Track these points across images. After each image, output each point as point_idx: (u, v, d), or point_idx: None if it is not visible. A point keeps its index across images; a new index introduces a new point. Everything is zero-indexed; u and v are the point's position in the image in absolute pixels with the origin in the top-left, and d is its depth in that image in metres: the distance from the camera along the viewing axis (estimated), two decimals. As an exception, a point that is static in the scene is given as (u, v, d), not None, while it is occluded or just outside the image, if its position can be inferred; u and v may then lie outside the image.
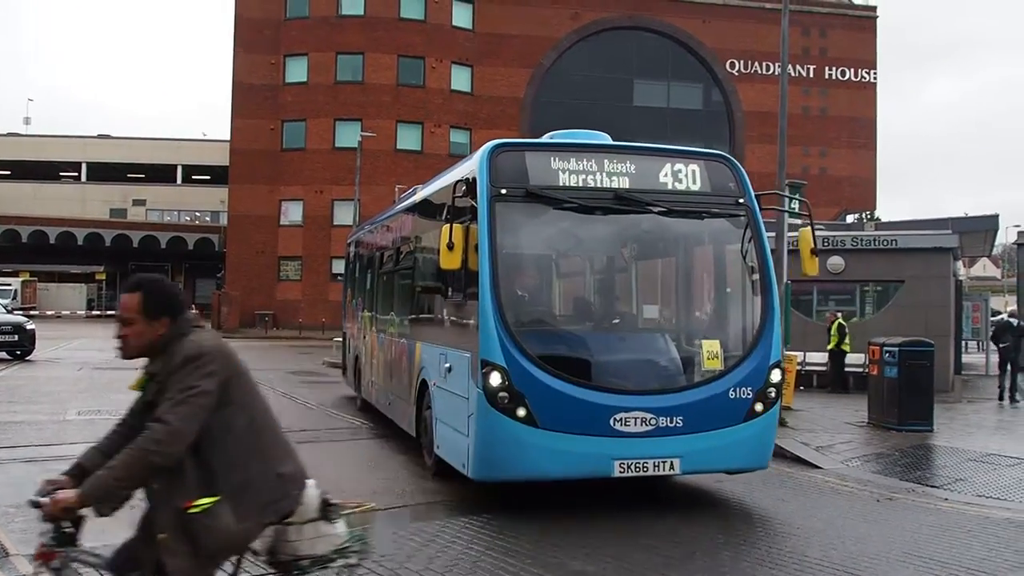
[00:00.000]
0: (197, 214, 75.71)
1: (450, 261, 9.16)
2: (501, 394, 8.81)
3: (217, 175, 69.96)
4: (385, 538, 8.21)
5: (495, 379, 8.82)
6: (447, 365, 10.16)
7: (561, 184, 9.54)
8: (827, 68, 57.58)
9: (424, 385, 11.41)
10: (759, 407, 9.42)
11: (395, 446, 13.60)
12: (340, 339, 32.18)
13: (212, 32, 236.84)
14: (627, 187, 9.66)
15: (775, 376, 9.61)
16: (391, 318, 14.19)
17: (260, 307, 50.55)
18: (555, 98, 53.81)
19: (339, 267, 48.54)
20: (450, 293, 10.21)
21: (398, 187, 46.62)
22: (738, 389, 9.34)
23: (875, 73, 59.01)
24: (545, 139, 10.72)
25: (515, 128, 53.08)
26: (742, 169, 10.31)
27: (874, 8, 60.91)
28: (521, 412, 8.79)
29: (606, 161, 9.75)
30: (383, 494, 10.24)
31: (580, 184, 9.58)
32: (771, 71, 55.13)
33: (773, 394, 9.59)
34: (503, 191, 9.36)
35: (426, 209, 12.38)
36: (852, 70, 58.22)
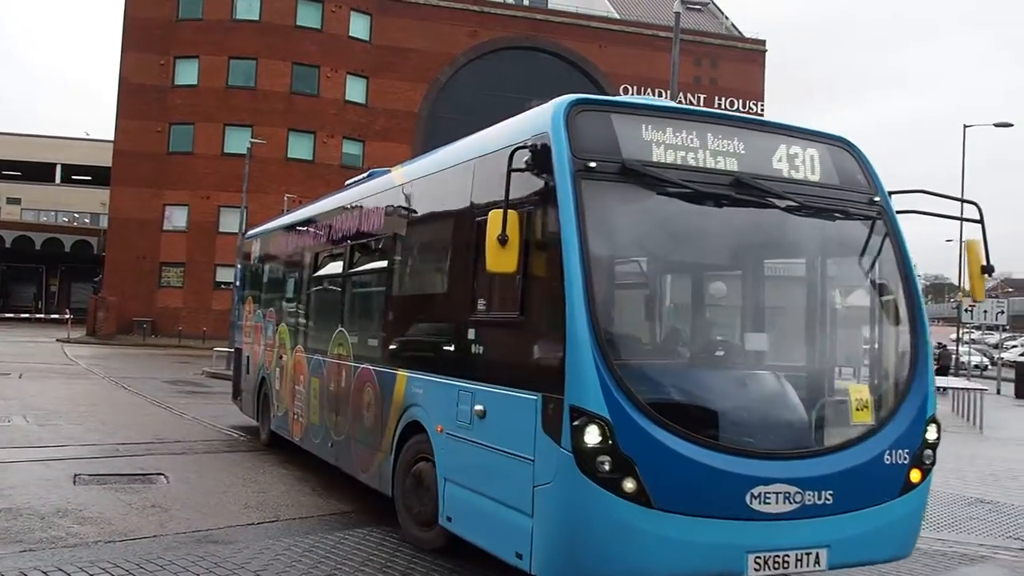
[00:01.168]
0: (76, 215, 73.30)
1: (502, 261, 6.48)
2: (601, 458, 6.10)
3: (99, 176, 67.88)
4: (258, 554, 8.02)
5: (593, 436, 6.10)
6: (478, 407, 7.31)
7: (656, 161, 6.90)
8: (717, 97, 58.95)
9: (413, 429, 8.67)
10: (915, 475, 7.11)
11: (274, 458, 13.31)
12: (228, 353, 31.82)
13: (99, 28, 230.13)
14: (738, 171, 7.18)
15: (931, 433, 7.22)
16: (339, 336, 11.11)
17: (139, 314, 49.06)
18: (450, 114, 53.75)
19: (224, 275, 47.84)
20: (490, 306, 7.45)
21: (287, 196, 46.32)
22: (893, 452, 7.02)
23: (762, 104, 60.69)
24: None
25: (409, 142, 52.90)
26: (868, 157, 7.96)
27: (763, 42, 62.78)
28: (629, 485, 6.12)
29: (711, 135, 7.21)
30: (257, 508, 10.00)
31: (681, 163, 6.99)
32: (663, 97, 55.93)
33: (930, 458, 7.23)
34: (591, 164, 6.62)
35: (427, 191, 9.31)
36: (741, 100, 59.73)
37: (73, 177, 74.90)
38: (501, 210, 6.47)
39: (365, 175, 11.95)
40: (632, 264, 7.74)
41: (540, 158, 6.73)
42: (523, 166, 6.76)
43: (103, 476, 11.22)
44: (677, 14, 20.25)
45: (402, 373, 8.99)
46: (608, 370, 6.17)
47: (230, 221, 47.51)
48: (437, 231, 8.91)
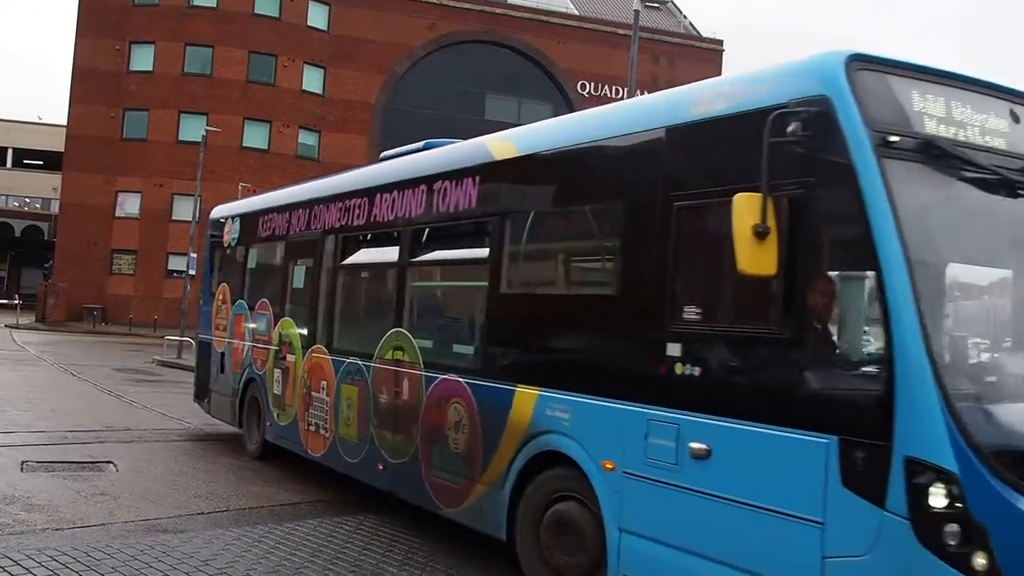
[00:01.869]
0: (27, 200, 72.20)
1: (759, 260, 5.15)
2: (950, 527, 4.71)
3: (51, 161, 66.91)
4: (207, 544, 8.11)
5: (940, 497, 4.73)
6: (697, 445, 5.76)
7: (957, 138, 5.58)
8: (673, 96, 59.23)
9: (546, 461, 7.09)
10: None
11: (225, 448, 13.35)
12: (181, 342, 31.68)
13: (52, 9, 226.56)
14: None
15: None
16: (396, 338, 9.23)
17: (89, 301, 48.49)
18: (407, 106, 53.72)
19: (177, 264, 47.43)
20: (713, 316, 5.95)
21: (242, 185, 46.01)
22: None
23: (718, 104, 61.17)
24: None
25: (365, 133, 52.81)
26: None
27: (720, 42, 63.33)
28: (980, 562, 4.71)
29: (1014, 110, 5.88)
30: (207, 498, 10.06)
31: (983, 143, 5.66)
32: (620, 95, 56.47)
33: None
34: (891, 138, 5.21)
35: (567, 165, 7.47)
36: (696, 100, 60.10)
37: (24, 161, 73.74)
38: (755, 194, 5.13)
39: (418, 145, 10.36)
40: (953, 269, 5.81)
41: (817, 127, 5.24)
42: (788, 136, 5.27)
43: (51, 463, 11.22)
44: (636, 12, 20.46)
45: (527, 390, 7.27)
46: (949, 410, 4.75)
47: (183, 209, 47.02)
48: (590, 217, 7.37)
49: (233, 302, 13.91)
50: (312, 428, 10.86)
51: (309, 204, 11.76)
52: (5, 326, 42.40)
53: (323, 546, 8.29)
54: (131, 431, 14.45)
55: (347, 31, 53.25)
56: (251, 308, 13.19)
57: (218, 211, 15.57)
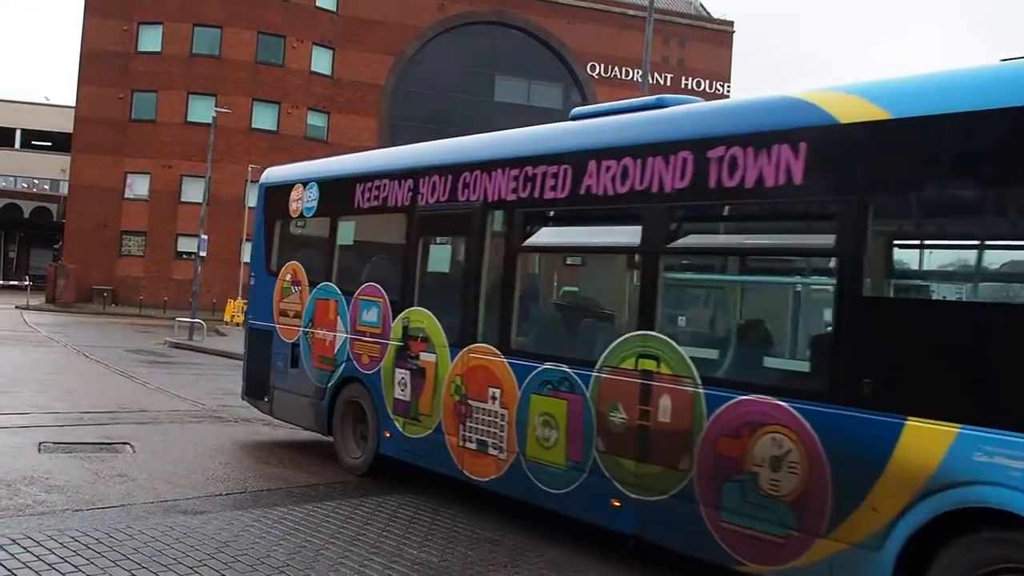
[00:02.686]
0: (35, 181, 72.21)
1: None
2: None
3: (59, 142, 66.91)
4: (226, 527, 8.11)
5: None
6: None
7: None
8: (684, 78, 59.09)
9: (958, 520, 5.43)
10: None
11: (241, 430, 13.36)
12: (192, 324, 31.66)
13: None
14: None
15: None
16: (645, 343, 7.32)
17: (99, 282, 48.60)
18: (416, 87, 53.69)
19: (186, 245, 47.47)
20: None
21: (251, 166, 45.97)
22: None
23: (729, 86, 60.93)
24: None
25: (374, 115, 52.74)
26: None
27: (731, 23, 63.03)
28: None
29: None
30: (224, 479, 10.06)
31: None
32: (630, 76, 56.31)
33: None
34: None
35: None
36: (708, 81, 59.93)
37: (33, 143, 73.72)
38: None
39: (648, 101, 8.30)
40: None
41: None
42: None
43: (68, 444, 11.21)
44: (650, -7, 20.28)
45: (931, 425, 5.52)
46: None
47: (192, 190, 47.08)
48: None
49: (312, 285, 11.60)
50: (472, 446, 8.90)
51: (455, 169, 9.54)
52: (16, 307, 42.50)
53: (342, 528, 8.27)
54: (146, 412, 14.46)
55: (356, 12, 53.08)
56: (346, 293, 10.99)
57: (276, 175, 13.19)
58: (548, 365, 8.15)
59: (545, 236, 8.79)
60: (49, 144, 71.90)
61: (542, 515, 8.79)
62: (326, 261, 11.52)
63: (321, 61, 52.77)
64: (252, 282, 13.24)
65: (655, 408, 7.16)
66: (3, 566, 6.41)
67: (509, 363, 8.55)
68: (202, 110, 46.97)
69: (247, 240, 47.19)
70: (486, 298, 9.11)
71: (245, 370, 13.11)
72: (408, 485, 10.04)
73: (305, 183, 12.10)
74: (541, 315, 9.52)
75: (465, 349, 9.08)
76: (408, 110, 53.09)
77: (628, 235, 7.79)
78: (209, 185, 37.32)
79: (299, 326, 11.75)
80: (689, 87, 58.56)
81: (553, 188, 8.34)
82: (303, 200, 12.08)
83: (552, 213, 8.71)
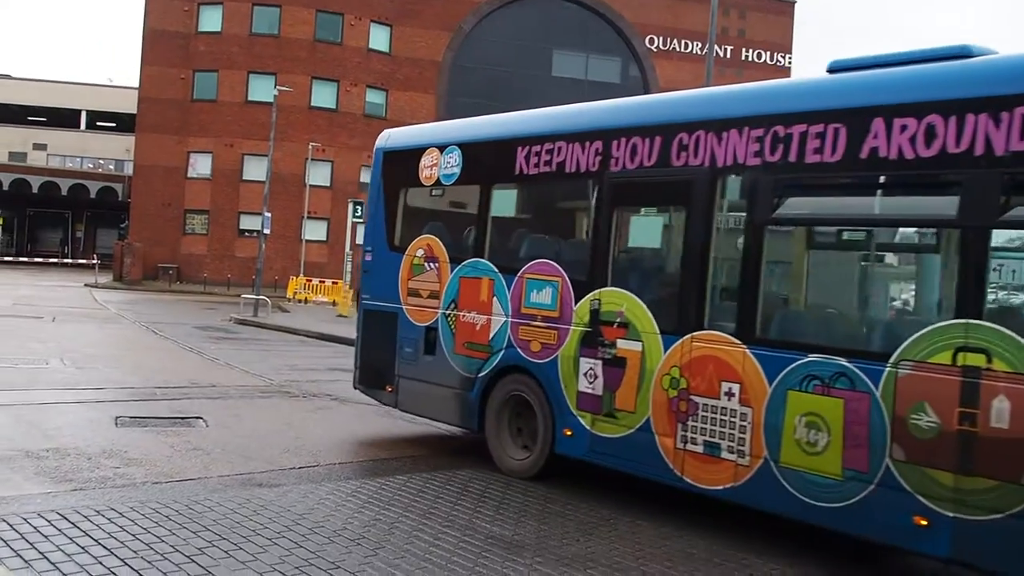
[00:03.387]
0: (101, 162, 73.51)
1: None
2: None
3: (123, 122, 68.14)
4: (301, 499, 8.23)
5: None
6: None
7: None
8: (744, 50, 58.33)
9: None
10: None
11: (310, 404, 13.54)
12: (257, 302, 32.17)
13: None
14: None
15: None
16: (975, 334, 6.20)
17: (164, 260, 49.45)
18: (473, 63, 53.60)
19: (248, 223, 48.09)
20: None
21: (312, 145, 46.34)
22: None
23: (790, 57, 60.02)
24: None
25: (432, 91, 52.79)
26: None
27: (792, -8, 62.00)
28: None
29: None
30: (297, 453, 10.20)
31: None
32: (689, 49, 55.73)
33: None
34: None
35: None
36: (768, 53, 59.10)
37: (98, 123, 75.06)
38: None
39: (951, 49, 6.91)
40: None
41: None
42: None
43: (143, 418, 11.45)
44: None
45: None
46: None
47: (253, 169, 47.68)
48: None
49: (455, 262, 10.34)
50: (696, 448, 7.78)
51: (666, 129, 8.32)
52: (85, 285, 43.39)
53: (415, 501, 8.35)
54: (216, 387, 14.70)
55: (413, -12, 53.08)
56: (505, 271, 9.74)
57: (399, 138, 11.91)
58: (814, 357, 6.99)
59: (806, 206, 7.67)
60: (113, 125, 73.17)
61: (610, 488, 8.83)
62: (475, 235, 10.21)
63: (379, 38, 52.87)
64: (368, 259, 11.71)
65: (985, 411, 6.05)
66: (89, 536, 6.59)
67: (754, 354, 7.38)
68: (262, 89, 47.39)
69: (308, 217, 47.76)
70: (718, 278, 8.09)
71: (359, 356, 11.72)
72: (474, 458, 10.11)
73: (442, 147, 10.75)
74: (802, 299, 8.44)
75: (686, 337, 7.88)
76: (465, 86, 53.06)
77: (937, 206, 6.88)
78: (271, 164, 37.71)
79: (436, 307, 10.46)
80: (750, 59, 57.86)
81: (818, 151, 7.15)
82: (440, 166, 10.72)
83: (816, 180, 7.44)
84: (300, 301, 40.16)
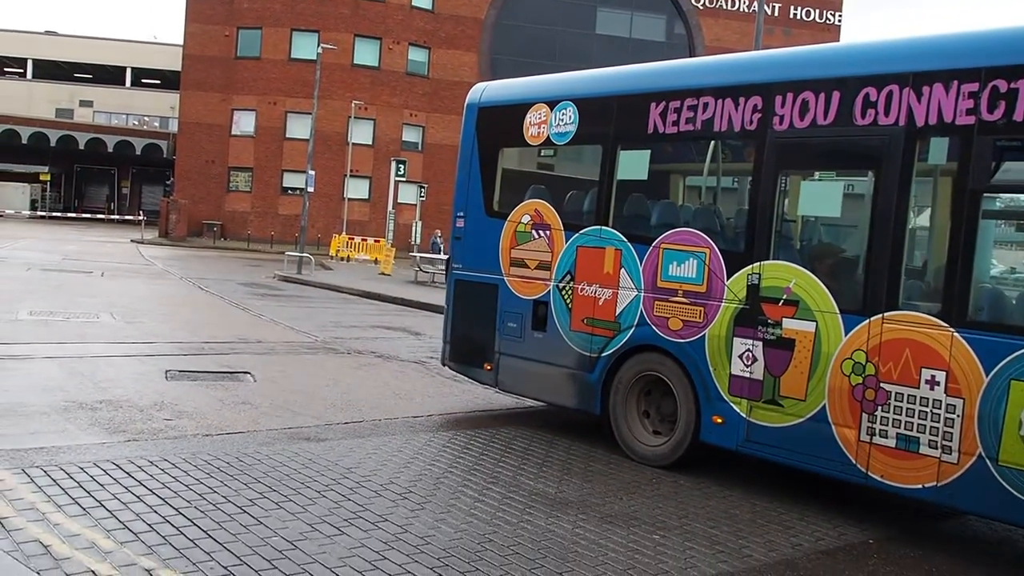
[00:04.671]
0: (146, 119, 74.08)
1: None
2: None
3: (167, 80, 68.60)
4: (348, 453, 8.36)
5: None
6: None
7: None
8: (792, 7, 57.33)
9: None
10: None
11: (355, 361, 13.68)
12: (301, 259, 32.46)
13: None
14: None
15: None
16: None
17: (208, 217, 49.92)
18: (517, 21, 53.19)
19: (292, 181, 48.39)
20: None
21: (355, 103, 46.39)
22: None
23: (840, 15, 58.96)
24: None
25: (475, 50, 52.51)
26: None
27: (839, -51, 60.78)
28: None
29: None
30: (343, 408, 10.32)
31: None
32: (735, 6, 54.96)
33: None
34: None
35: None
36: (817, 10, 58.04)
37: (143, 81, 75.57)
38: None
39: None
40: None
41: None
42: None
43: (192, 372, 11.64)
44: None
45: None
46: None
47: (297, 127, 47.90)
48: None
49: (572, 229, 9.47)
50: (887, 442, 6.95)
51: (846, 83, 7.41)
52: (131, 241, 43.93)
53: (460, 457, 8.45)
54: (263, 343, 14.88)
55: (456, -55, 52.71)
56: (636, 240, 8.86)
57: (498, 92, 10.82)
58: None
59: None
60: (158, 82, 73.61)
61: (655, 449, 8.82)
62: (598, 200, 9.32)
63: (422, -5, 52.68)
64: (459, 224, 10.73)
65: None
66: (144, 486, 6.74)
67: (966, 338, 6.53)
68: (305, 47, 47.52)
69: (350, 175, 47.92)
70: (918, 252, 7.42)
71: (450, 331, 10.79)
72: (519, 418, 10.19)
73: (552, 102, 9.78)
74: None
75: (875, 317, 7.04)
76: (509, 44, 52.74)
77: None
78: (315, 122, 37.82)
79: (547, 279, 9.61)
80: (798, 17, 56.89)
81: None
82: (550, 124, 9.77)
83: None
84: (342, 259, 40.42)
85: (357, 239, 42.28)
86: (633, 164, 9.18)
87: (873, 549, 6.79)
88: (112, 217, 62.33)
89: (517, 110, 10.13)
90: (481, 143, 10.57)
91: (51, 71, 74.65)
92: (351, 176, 48.50)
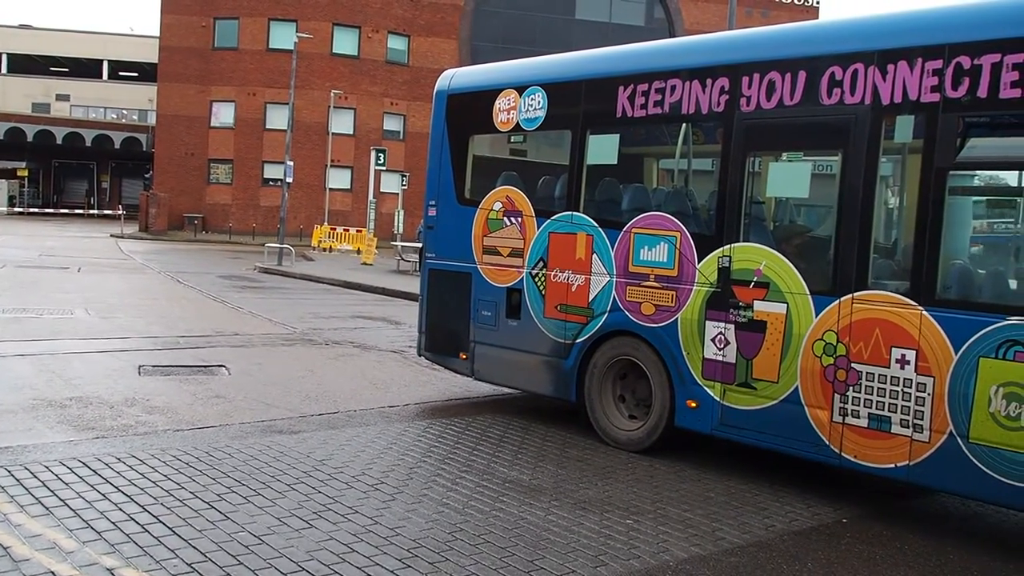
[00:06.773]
0: (124, 112, 73.59)
1: None
2: None
3: (145, 72, 68.11)
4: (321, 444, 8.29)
5: None
6: None
7: None
8: (772, -14, 57.31)
9: None
10: None
11: (332, 352, 13.60)
12: (282, 250, 32.32)
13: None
14: None
15: None
16: None
17: (189, 210, 49.61)
18: (496, 7, 52.96)
19: (272, 172, 48.14)
20: None
21: (334, 92, 46.14)
22: None
23: (818, -2, 59.00)
24: None
25: (455, 37, 52.28)
26: None
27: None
28: None
29: None
30: (318, 400, 10.25)
31: None
32: (715, -12, 54.93)
33: None
34: None
35: None
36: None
37: (120, 74, 75.01)
38: None
39: None
40: None
41: None
42: None
43: (166, 367, 11.54)
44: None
45: None
46: None
47: (277, 118, 47.61)
48: None
49: (543, 215, 9.39)
50: (859, 422, 6.91)
51: (813, 63, 7.32)
52: (111, 235, 43.67)
53: (434, 446, 8.39)
54: (239, 336, 14.77)
55: (433, -69, 52.41)
56: (607, 225, 8.79)
57: (466, 79, 10.71)
58: (1015, 320, 6.15)
59: (1009, 148, 6.90)
60: (136, 75, 73.08)
61: (631, 434, 8.77)
62: (569, 186, 9.23)
63: (400, -18, 52.40)
64: (431, 213, 10.59)
65: None
66: (110, 483, 6.65)
67: (935, 316, 6.50)
68: (283, 36, 47.18)
69: (332, 165, 47.70)
70: (888, 230, 7.42)
71: (425, 321, 10.65)
72: (496, 405, 10.13)
73: (521, 88, 9.66)
74: (997, 253, 7.57)
75: (845, 298, 6.99)
76: (489, 31, 52.53)
77: None
78: (293, 112, 37.60)
79: (519, 267, 9.53)
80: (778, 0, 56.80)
81: (1017, 84, 6.18)
82: (519, 110, 9.65)
83: (1014, 119, 6.56)
84: (324, 250, 40.27)
85: (339, 229, 42.13)
86: (602, 148, 9.08)
87: (846, 528, 6.76)
88: (92, 212, 62.08)
89: (486, 96, 10.01)
90: (451, 131, 10.45)
91: (26, 65, 73.97)
92: (332, 166, 48.30)
